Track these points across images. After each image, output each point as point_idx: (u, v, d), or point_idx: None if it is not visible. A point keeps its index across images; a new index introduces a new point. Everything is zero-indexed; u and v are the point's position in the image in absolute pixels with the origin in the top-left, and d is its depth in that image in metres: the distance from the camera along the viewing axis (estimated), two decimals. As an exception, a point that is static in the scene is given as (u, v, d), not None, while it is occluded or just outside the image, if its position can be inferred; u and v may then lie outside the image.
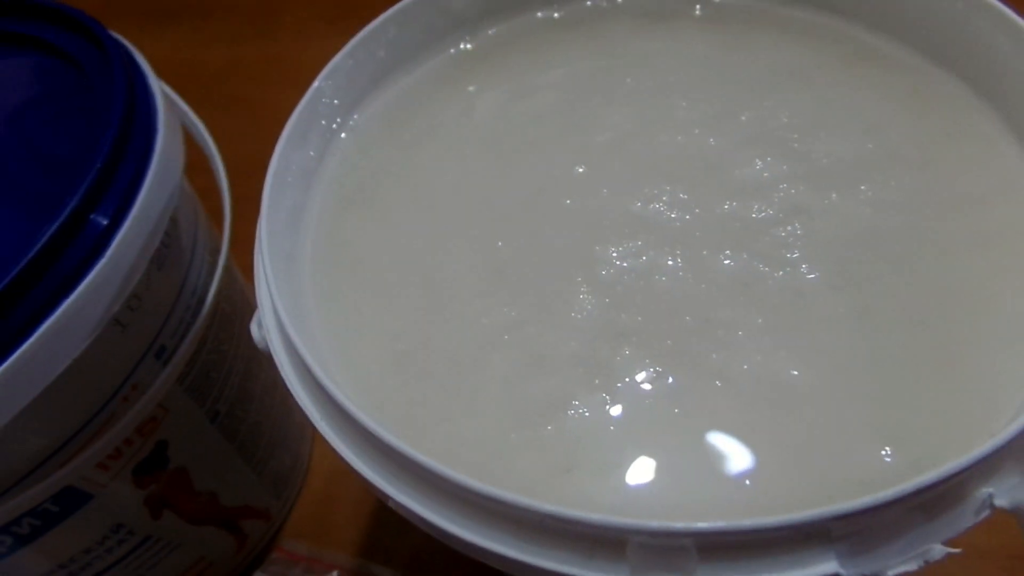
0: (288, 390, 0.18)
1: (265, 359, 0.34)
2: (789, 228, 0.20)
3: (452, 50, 0.26)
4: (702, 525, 0.13)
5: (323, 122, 0.23)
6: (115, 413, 0.25)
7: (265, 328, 0.19)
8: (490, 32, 0.27)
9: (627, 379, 0.18)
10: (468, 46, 0.27)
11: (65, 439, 0.24)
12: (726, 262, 0.20)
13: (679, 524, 0.13)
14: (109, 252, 0.22)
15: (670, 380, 0.18)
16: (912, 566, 0.15)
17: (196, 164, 0.29)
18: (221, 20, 0.69)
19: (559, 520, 0.14)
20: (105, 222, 0.22)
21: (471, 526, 0.15)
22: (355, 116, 0.25)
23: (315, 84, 0.22)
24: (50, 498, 0.24)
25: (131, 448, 0.26)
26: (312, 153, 0.23)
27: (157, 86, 0.26)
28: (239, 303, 0.32)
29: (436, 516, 0.15)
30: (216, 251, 0.30)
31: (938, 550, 0.15)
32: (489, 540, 0.15)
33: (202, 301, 0.28)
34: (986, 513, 0.15)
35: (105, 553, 0.28)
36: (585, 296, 0.20)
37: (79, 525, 0.26)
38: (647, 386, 0.18)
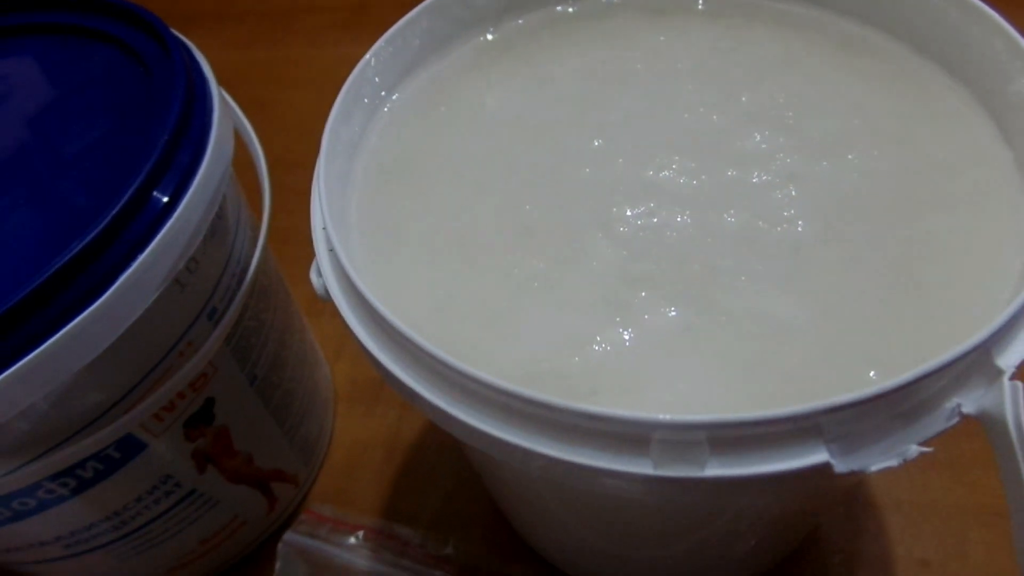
0: (349, 330, 0.20)
1: (297, 331, 0.37)
2: (785, 191, 0.23)
3: (480, 39, 0.29)
4: (713, 417, 0.16)
5: (366, 100, 0.26)
6: (172, 367, 0.27)
7: (324, 275, 0.21)
8: (512, 24, 0.30)
9: (645, 317, 0.21)
10: (492, 37, 0.30)
11: (130, 387, 0.26)
12: (730, 220, 0.22)
13: (694, 416, 0.16)
14: (173, 217, 0.24)
15: (682, 318, 0.21)
16: (893, 462, 0.17)
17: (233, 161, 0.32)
18: (236, 26, 0.71)
19: (592, 418, 0.16)
20: (167, 197, 0.24)
21: (514, 432, 0.18)
22: (394, 96, 0.27)
23: (365, 57, 0.25)
24: (113, 444, 0.26)
25: (184, 402, 0.28)
26: (356, 128, 0.26)
27: (212, 79, 0.28)
28: (274, 279, 0.34)
29: (486, 426, 0.18)
30: (256, 228, 0.33)
31: (914, 449, 0.17)
32: (529, 442, 0.17)
33: (245, 271, 0.31)
34: (955, 420, 0.17)
35: (153, 503, 0.30)
36: (605, 249, 0.22)
37: (134, 473, 0.28)
38: (662, 323, 0.20)
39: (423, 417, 0.41)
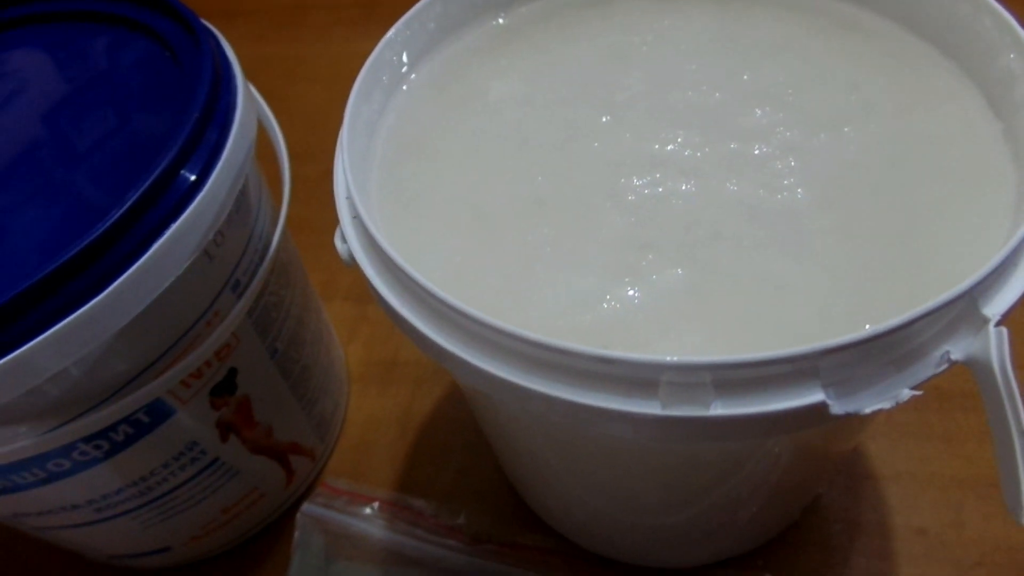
0: (374, 290, 0.21)
1: (314, 311, 0.38)
2: (785, 162, 0.24)
3: (492, 23, 0.30)
4: (718, 358, 0.17)
5: (384, 80, 0.27)
6: (199, 336, 0.28)
7: (348, 241, 0.23)
8: (522, 10, 0.31)
9: (652, 277, 0.22)
10: (503, 22, 0.31)
11: (160, 353, 0.27)
12: (732, 188, 0.24)
13: (699, 358, 0.17)
14: (203, 191, 0.25)
15: (688, 278, 0.22)
16: (886, 404, 0.18)
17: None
18: (247, 21, 0.73)
19: (605, 362, 0.18)
20: (196, 172, 0.25)
21: (535, 379, 0.19)
22: (411, 77, 0.28)
23: (386, 36, 0.27)
24: (143, 407, 0.28)
25: (210, 370, 0.29)
26: (376, 106, 0.27)
27: (236, 64, 0.30)
28: (293, 259, 0.36)
29: (509, 375, 0.19)
30: (276, 209, 0.34)
31: (906, 392, 0.18)
32: (549, 388, 0.19)
33: (267, 247, 0.32)
34: (945, 366, 0.19)
35: (179, 470, 0.31)
36: (614, 217, 0.23)
37: (162, 438, 0.29)
38: (668, 283, 0.22)
39: (435, 395, 0.42)
